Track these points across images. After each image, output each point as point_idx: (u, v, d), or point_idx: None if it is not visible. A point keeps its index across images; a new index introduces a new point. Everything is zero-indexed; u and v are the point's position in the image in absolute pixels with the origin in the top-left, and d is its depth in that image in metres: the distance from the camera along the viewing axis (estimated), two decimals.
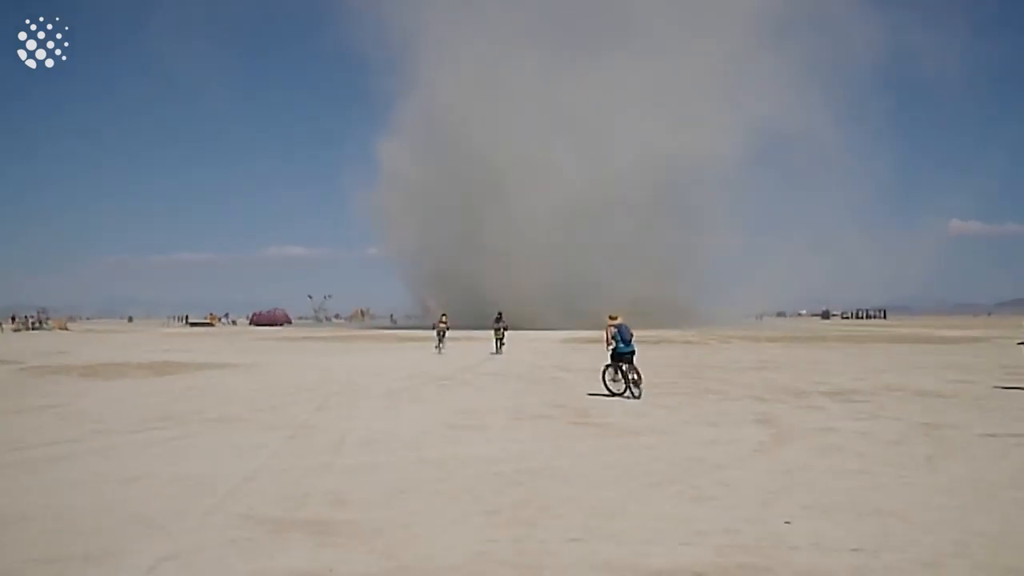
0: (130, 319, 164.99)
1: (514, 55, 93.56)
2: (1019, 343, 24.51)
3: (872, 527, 7.50)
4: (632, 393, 18.23)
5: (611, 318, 18.98)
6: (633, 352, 18.67)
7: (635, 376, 18.39)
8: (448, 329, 39.58)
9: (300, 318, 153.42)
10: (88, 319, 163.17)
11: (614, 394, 18.53)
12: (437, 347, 38.43)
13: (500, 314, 39.75)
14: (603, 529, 7.50)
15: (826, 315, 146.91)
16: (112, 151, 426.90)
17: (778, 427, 13.92)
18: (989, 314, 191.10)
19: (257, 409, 16.85)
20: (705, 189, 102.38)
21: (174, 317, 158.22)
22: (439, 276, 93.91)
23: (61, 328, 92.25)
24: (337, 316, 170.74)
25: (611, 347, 18.75)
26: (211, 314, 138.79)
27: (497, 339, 38.55)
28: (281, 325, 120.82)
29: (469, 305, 70.58)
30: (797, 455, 11.30)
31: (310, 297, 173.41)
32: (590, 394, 19.05)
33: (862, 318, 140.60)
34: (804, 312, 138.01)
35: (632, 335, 18.72)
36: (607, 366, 19.21)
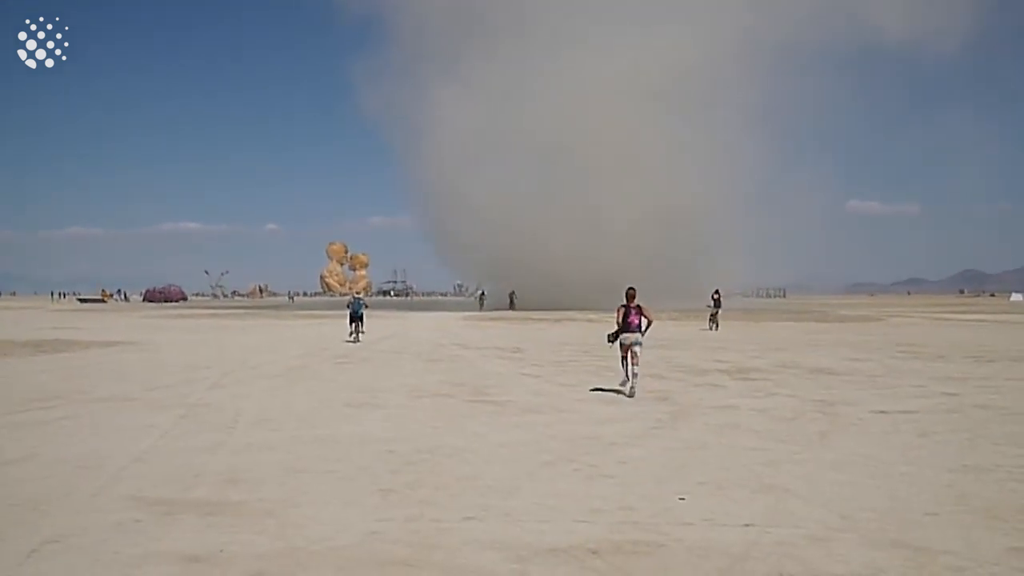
0: None
1: None
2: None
3: (765, 503, 7.62)
4: (358, 339, 29.31)
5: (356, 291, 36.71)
6: (361, 317, 29.95)
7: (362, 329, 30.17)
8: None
9: (197, 295, 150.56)
10: None
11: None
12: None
13: (483, 291, 70.92)
14: (498, 507, 7.46)
15: (727, 293, 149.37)
16: None
17: (676, 405, 14.11)
18: (908, 293, 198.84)
19: (149, 388, 16.36)
20: None
21: (60, 293, 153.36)
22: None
23: None
24: (235, 293, 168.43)
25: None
26: (104, 290, 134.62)
27: (481, 302, 69.73)
28: (177, 301, 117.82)
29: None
30: (694, 433, 11.44)
31: (207, 273, 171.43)
32: (489, 371, 19.06)
33: (762, 297, 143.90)
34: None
35: (364, 306, 30.61)
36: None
